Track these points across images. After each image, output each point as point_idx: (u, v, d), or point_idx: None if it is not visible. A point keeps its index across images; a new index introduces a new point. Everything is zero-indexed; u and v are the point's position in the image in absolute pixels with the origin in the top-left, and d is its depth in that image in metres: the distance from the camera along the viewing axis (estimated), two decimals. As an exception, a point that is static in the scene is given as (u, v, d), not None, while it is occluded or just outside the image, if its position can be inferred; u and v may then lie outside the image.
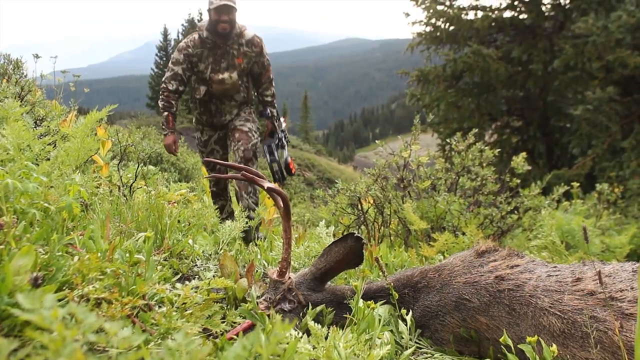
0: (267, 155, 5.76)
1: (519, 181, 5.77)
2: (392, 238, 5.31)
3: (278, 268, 2.39)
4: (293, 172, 5.87)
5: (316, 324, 1.76)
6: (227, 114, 5.65)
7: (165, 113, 5.49)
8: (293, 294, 2.33)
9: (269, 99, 5.83)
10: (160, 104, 5.51)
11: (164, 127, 5.55)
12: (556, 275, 2.08)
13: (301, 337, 1.66)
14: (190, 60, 5.45)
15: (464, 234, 4.48)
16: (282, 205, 2.40)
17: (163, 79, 5.48)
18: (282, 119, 6.08)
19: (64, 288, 1.78)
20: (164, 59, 70.31)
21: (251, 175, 2.39)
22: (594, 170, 16.75)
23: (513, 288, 2.09)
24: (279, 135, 5.92)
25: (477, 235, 4.33)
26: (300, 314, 2.26)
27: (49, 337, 0.79)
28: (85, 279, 1.78)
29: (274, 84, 5.86)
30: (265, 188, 2.35)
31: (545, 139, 19.82)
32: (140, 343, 0.87)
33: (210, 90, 5.53)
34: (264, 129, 5.97)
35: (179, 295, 1.90)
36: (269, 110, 5.84)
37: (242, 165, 2.57)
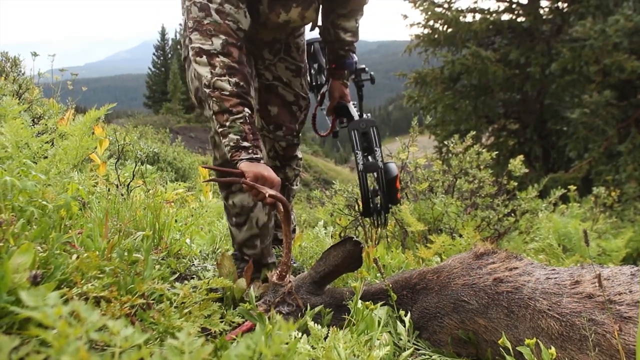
0: (359, 157, 3.12)
1: (516, 184, 5.78)
2: (389, 240, 5.31)
3: (278, 271, 2.39)
4: (399, 196, 3.24)
5: (316, 324, 1.76)
6: (266, 47, 3.12)
7: (247, 111, 2.49)
8: (292, 297, 2.33)
9: (348, 36, 3.24)
10: (227, 79, 2.45)
11: (242, 145, 2.47)
12: (555, 278, 2.09)
13: (301, 338, 1.66)
14: None
15: (461, 236, 4.48)
16: (282, 210, 2.40)
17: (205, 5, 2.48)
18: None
19: (63, 286, 1.78)
20: (162, 58, 70.27)
21: (252, 183, 2.37)
22: (591, 173, 16.82)
23: (511, 290, 2.09)
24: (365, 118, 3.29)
25: (474, 238, 4.33)
26: (299, 317, 2.26)
27: (52, 334, 0.78)
28: (84, 277, 1.78)
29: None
30: (267, 195, 2.34)
31: (542, 142, 19.87)
32: (141, 342, 0.87)
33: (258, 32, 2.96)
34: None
35: (178, 294, 1.90)
36: (354, 59, 3.33)
37: (238, 171, 2.43)
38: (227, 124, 2.44)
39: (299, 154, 3.47)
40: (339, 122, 3.53)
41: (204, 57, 2.45)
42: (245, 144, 2.45)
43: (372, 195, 3.18)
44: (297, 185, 3.56)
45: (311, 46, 3.59)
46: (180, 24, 3.03)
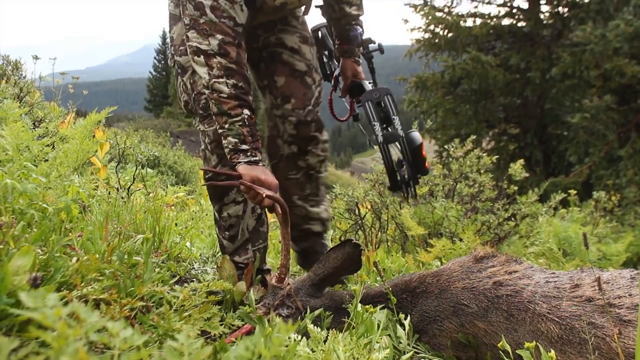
0: (376, 128, 2.94)
1: (516, 188, 5.78)
2: (389, 244, 5.31)
3: (277, 274, 2.39)
4: (427, 167, 2.98)
5: (315, 327, 1.76)
6: (258, 28, 2.94)
7: (245, 112, 2.45)
8: (291, 299, 2.33)
9: (354, 10, 3.07)
10: (224, 81, 2.40)
11: (240, 148, 2.46)
12: (554, 282, 2.09)
13: (300, 340, 1.66)
14: None
15: (461, 240, 4.48)
16: (280, 212, 2.40)
17: (204, 14, 2.40)
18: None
19: (63, 289, 1.78)
20: (163, 62, 70.35)
21: (249, 184, 2.38)
22: (591, 178, 16.82)
23: (511, 294, 2.09)
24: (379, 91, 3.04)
25: (474, 242, 4.33)
26: (299, 320, 2.26)
27: (52, 335, 0.79)
28: (84, 279, 1.78)
29: None
30: (264, 196, 2.35)
31: (542, 147, 19.87)
32: (140, 344, 0.87)
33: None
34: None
35: (178, 297, 1.91)
36: (358, 31, 3.15)
37: (236, 173, 2.45)
38: (226, 126, 2.41)
39: (322, 136, 3.10)
40: (356, 103, 3.33)
41: (202, 57, 2.40)
42: (244, 146, 2.42)
43: (398, 167, 2.98)
44: (325, 170, 3.23)
45: (318, 32, 3.39)
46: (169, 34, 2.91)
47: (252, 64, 3.06)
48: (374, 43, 3.25)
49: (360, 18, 3.15)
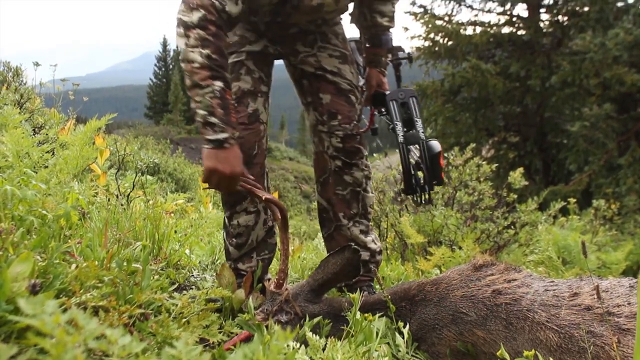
0: (399, 128, 2.93)
1: (515, 196, 5.78)
2: (388, 252, 5.30)
3: (275, 279, 2.39)
4: (442, 176, 2.97)
5: (314, 334, 1.76)
6: (298, 41, 2.97)
7: (217, 84, 2.35)
8: (290, 305, 2.33)
9: (385, 21, 3.07)
10: (199, 51, 2.34)
11: (209, 121, 2.34)
12: (553, 290, 2.09)
13: (299, 348, 1.66)
14: None
15: (460, 248, 4.48)
16: (279, 217, 2.40)
17: None
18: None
19: (62, 295, 1.78)
20: (163, 69, 70.48)
21: (249, 186, 2.38)
22: (591, 186, 16.83)
23: (510, 302, 2.09)
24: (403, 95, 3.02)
25: (473, 250, 4.33)
26: (297, 326, 2.26)
27: (50, 342, 0.79)
28: (83, 286, 1.78)
29: None
30: (263, 199, 2.35)
31: (542, 155, 19.89)
32: (139, 351, 0.87)
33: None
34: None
35: (177, 305, 1.90)
36: (388, 35, 3.12)
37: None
38: (197, 99, 2.33)
39: (365, 152, 3.05)
40: (377, 113, 3.33)
41: (182, 28, 2.36)
42: (212, 119, 2.31)
43: (414, 170, 2.94)
44: (371, 192, 3.13)
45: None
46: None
47: (294, 79, 3.10)
48: (403, 52, 3.25)
49: (391, 30, 3.14)
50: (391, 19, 3.07)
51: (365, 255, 3.02)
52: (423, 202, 3.02)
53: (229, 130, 2.34)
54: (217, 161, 2.32)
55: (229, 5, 2.41)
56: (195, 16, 2.35)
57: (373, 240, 3.13)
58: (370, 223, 3.16)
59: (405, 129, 2.93)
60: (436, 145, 2.90)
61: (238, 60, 2.85)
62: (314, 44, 2.96)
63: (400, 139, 2.89)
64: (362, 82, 3.25)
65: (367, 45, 3.19)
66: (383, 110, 3.21)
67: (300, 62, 2.99)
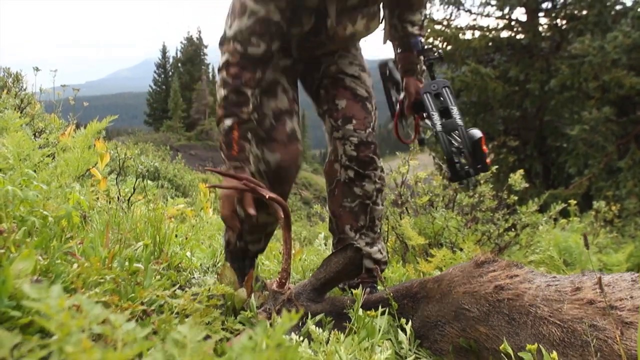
0: (435, 117, 2.86)
1: (516, 198, 5.78)
2: (389, 255, 5.30)
3: (277, 279, 2.39)
4: (488, 162, 2.83)
5: (317, 327, 1.76)
6: (322, 57, 3.06)
7: (227, 122, 2.52)
8: (292, 304, 2.33)
9: (416, 29, 3.11)
10: (219, 92, 2.57)
11: (227, 153, 2.54)
12: (555, 285, 2.09)
13: (302, 341, 1.66)
14: None
15: (461, 250, 4.48)
16: (282, 216, 2.40)
17: (228, 31, 2.57)
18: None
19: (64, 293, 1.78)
20: (163, 76, 70.59)
21: (253, 185, 2.38)
22: (591, 190, 16.85)
23: (512, 297, 2.09)
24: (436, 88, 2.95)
25: (474, 252, 4.33)
26: (299, 324, 2.26)
27: (55, 324, 0.79)
28: (85, 283, 1.78)
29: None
30: (267, 197, 2.35)
31: (541, 159, 19.92)
32: (142, 336, 0.87)
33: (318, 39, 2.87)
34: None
35: (179, 304, 1.90)
36: (418, 39, 3.12)
37: (242, 175, 2.50)
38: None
39: (379, 162, 3.03)
40: (420, 120, 3.30)
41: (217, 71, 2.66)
42: (222, 155, 2.56)
43: (457, 157, 2.82)
44: (381, 204, 3.11)
45: (385, 67, 3.42)
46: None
47: (311, 94, 3.17)
48: (434, 52, 3.18)
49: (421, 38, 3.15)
50: (421, 27, 3.13)
51: (369, 264, 3.04)
52: (470, 187, 2.97)
53: (227, 164, 2.54)
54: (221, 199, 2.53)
55: (251, 49, 2.53)
56: (222, 59, 2.58)
57: (379, 250, 3.12)
58: (378, 234, 3.13)
59: (442, 119, 2.88)
60: (477, 132, 2.84)
61: (274, 79, 2.89)
62: (335, 53, 3.06)
63: (439, 127, 2.84)
64: (401, 95, 3.24)
65: (399, 51, 3.20)
66: (425, 115, 3.14)
67: (322, 75, 3.07)
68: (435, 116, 2.86)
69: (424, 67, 3.22)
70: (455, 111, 2.87)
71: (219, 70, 2.59)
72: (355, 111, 2.96)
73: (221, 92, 2.54)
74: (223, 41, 2.59)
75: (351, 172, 2.96)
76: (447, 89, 2.93)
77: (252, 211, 2.41)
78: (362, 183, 2.98)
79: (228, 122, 2.50)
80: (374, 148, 2.97)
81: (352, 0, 2.74)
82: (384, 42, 3.24)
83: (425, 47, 3.12)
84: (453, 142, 2.84)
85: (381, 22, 3.04)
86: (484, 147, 2.80)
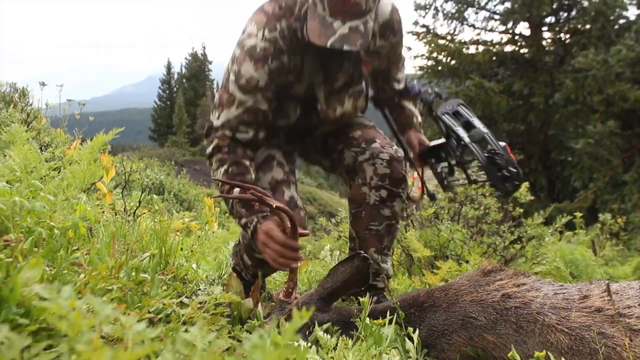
0: (460, 131, 2.89)
1: (522, 210, 5.77)
2: (395, 267, 5.29)
3: (284, 288, 2.39)
4: (519, 172, 2.78)
5: (326, 334, 1.76)
6: (307, 133, 3.13)
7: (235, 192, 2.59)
8: (299, 314, 2.32)
9: (402, 86, 3.27)
10: (219, 170, 2.66)
11: (242, 213, 2.59)
12: (563, 293, 2.08)
13: (310, 347, 1.66)
14: (278, 82, 2.66)
15: (467, 262, 4.47)
16: (289, 225, 2.40)
17: (216, 122, 2.68)
18: None
19: (72, 301, 1.78)
20: (167, 92, 70.83)
21: (259, 194, 2.39)
22: (596, 203, 16.82)
23: (520, 306, 2.08)
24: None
25: (480, 264, 4.32)
26: (307, 334, 2.25)
27: (66, 323, 0.79)
28: (93, 291, 1.78)
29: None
30: (274, 207, 2.35)
31: (546, 173, 19.91)
32: (152, 337, 0.87)
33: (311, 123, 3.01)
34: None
35: (186, 312, 1.90)
36: (412, 83, 3.26)
37: (248, 185, 2.50)
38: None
39: (408, 181, 3.02)
40: (435, 162, 3.29)
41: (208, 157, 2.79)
42: (236, 211, 2.62)
43: (490, 162, 2.77)
44: (399, 222, 3.12)
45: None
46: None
47: (319, 150, 3.22)
48: (430, 93, 3.28)
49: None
50: (403, 81, 3.30)
51: (381, 284, 3.04)
52: (512, 189, 2.90)
53: (243, 219, 2.60)
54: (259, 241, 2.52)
55: (240, 135, 2.67)
56: (211, 146, 2.70)
57: (390, 266, 3.11)
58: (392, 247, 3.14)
59: (467, 132, 2.88)
60: (501, 142, 2.83)
61: (269, 154, 2.93)
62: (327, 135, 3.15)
63: (467, 139, 2.83)
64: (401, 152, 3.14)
65: (392, 113, 3.38)
66: (433, 160, 3.26)
67: (323, 140, 3.15)
68: (460, 130, 2.87)
69: (419, 120, 3.36)
70: (477, 121, 2.89)
71: (210, 155, 2.71)
72: (374, 134, 2.97)
73: (220, 170, 2.63)
74: (210, 131, 2.73)
75: (384, 192, 2.89)
76: (462, 106, 2.98)
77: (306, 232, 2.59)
78: (393, 203, 2.93)
79: (236, 190, 2.56)
80: (402, 163, 2.92)
81: (339, 83, 2.84)
82: (376, 109, 3.35)
83: (421, 89, 3.23)
84: (484, 148, 2.81)
85: (367, 101, 3.09)
86: (512, 155, 2.78)
